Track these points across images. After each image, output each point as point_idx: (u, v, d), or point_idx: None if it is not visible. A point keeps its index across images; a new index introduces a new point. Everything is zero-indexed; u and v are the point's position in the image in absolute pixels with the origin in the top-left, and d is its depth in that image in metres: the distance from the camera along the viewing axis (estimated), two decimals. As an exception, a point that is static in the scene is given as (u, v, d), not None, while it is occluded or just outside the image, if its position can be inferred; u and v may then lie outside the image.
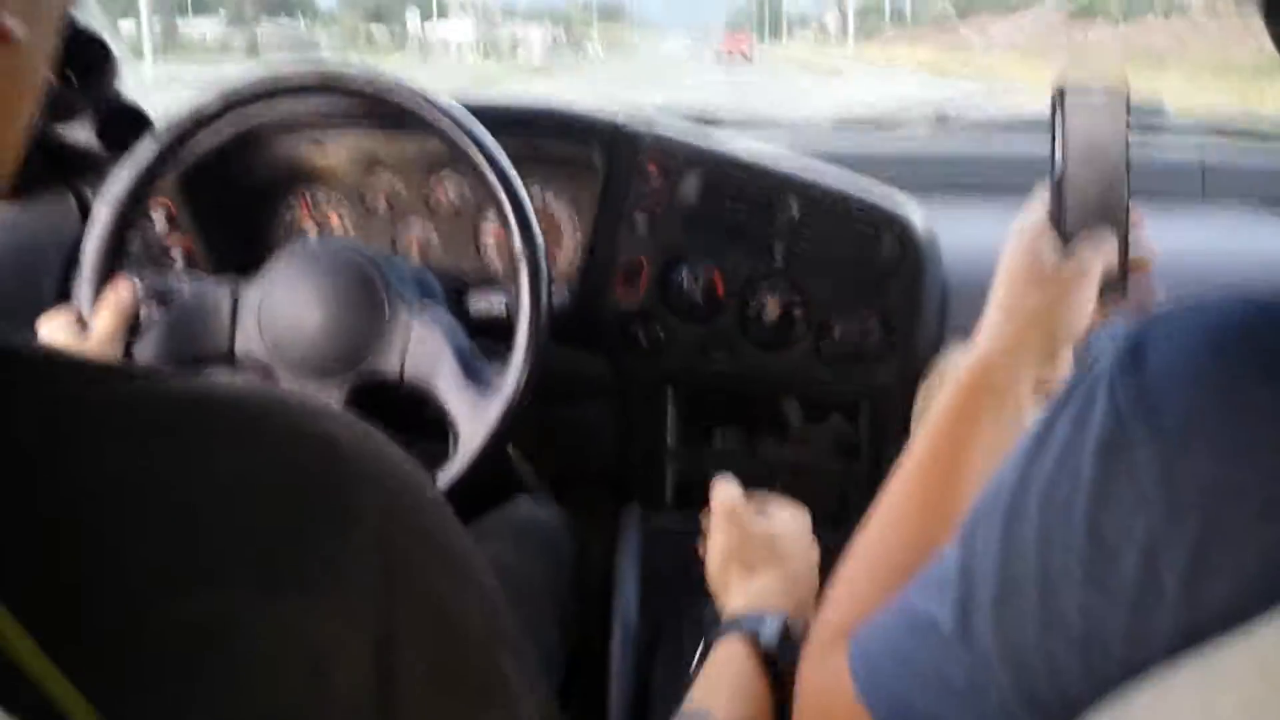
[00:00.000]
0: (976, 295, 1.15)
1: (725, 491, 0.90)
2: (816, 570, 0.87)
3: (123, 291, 1.01)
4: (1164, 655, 0.41)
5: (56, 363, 0.34)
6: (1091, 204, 0.73)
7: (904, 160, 1.51)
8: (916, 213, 1.14)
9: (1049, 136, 0.74)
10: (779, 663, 0.75)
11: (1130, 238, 0.74)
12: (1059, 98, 0.73)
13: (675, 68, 18.29)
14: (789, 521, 0.90)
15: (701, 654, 1.01)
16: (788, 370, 1.17)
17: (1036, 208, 0.75)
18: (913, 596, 0.54)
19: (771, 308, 1.15)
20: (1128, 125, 0.73)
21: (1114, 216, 0.73)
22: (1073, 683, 0.44)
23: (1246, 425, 0.41)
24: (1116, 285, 0.74)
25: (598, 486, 1.38)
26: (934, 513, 0.66)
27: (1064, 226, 0.73)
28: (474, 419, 0.98)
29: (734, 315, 1.17)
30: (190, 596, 0.31)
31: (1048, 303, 0.71)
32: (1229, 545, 0.40)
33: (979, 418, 0.69)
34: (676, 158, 1.16)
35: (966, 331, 1.12)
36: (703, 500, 1.27)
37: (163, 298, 1.12)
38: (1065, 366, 0.73)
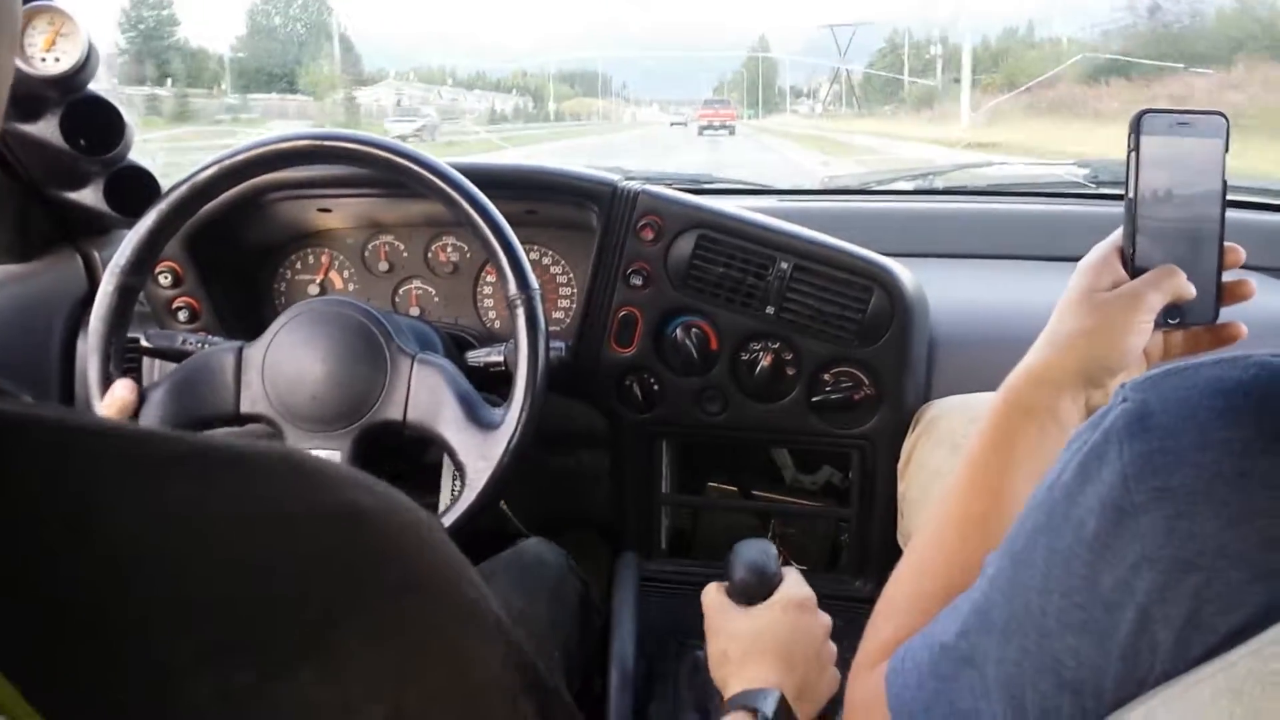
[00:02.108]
0: (962, 349, 1.25)
1: (708, 596, 0.93)
2: (821, 644, 0.89)
3: (121, 390, 1.08)
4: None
5: (71, 428, 0.35)
6: (1168, 231, 0.74)
7: (890, 221, 1.63)
8: (904, 270, 1.24)
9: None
10: None
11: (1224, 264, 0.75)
12: (1136, 125, 0.74)
13: (652, 142, 18.44)
14: (779, 613, 0.90)
15: (695, 699, 1.09)
16: (780, 421, 1.27)
17: (1110, 238, 0.77)
18: (939, 621, 0.61)
19: (764, 361, 1.25)
20: (1226, 148, 0.74)
21: (1200, 244, 0.74)
22: None
23: (1252, 492, 0.43)
24: (1202, 311, 0.75)
25: (594, 533, 1.46)
26: (973, 535, 0.70)
27: (1132, 255, 0.74)
28: (479, 456, 1.04)
29: (727, 368, 1.26)
30: (216, 670, 0.31)
31: (1091, 328, 0.73)
32: (1224, 605, 0.43)
33: (1014, 440, 0.72)
34: (670, 218, 1.26)
35: (951, 384, 1.21)
36: (697, 548, 1.34)
37: (169, 356, 1.20)
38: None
